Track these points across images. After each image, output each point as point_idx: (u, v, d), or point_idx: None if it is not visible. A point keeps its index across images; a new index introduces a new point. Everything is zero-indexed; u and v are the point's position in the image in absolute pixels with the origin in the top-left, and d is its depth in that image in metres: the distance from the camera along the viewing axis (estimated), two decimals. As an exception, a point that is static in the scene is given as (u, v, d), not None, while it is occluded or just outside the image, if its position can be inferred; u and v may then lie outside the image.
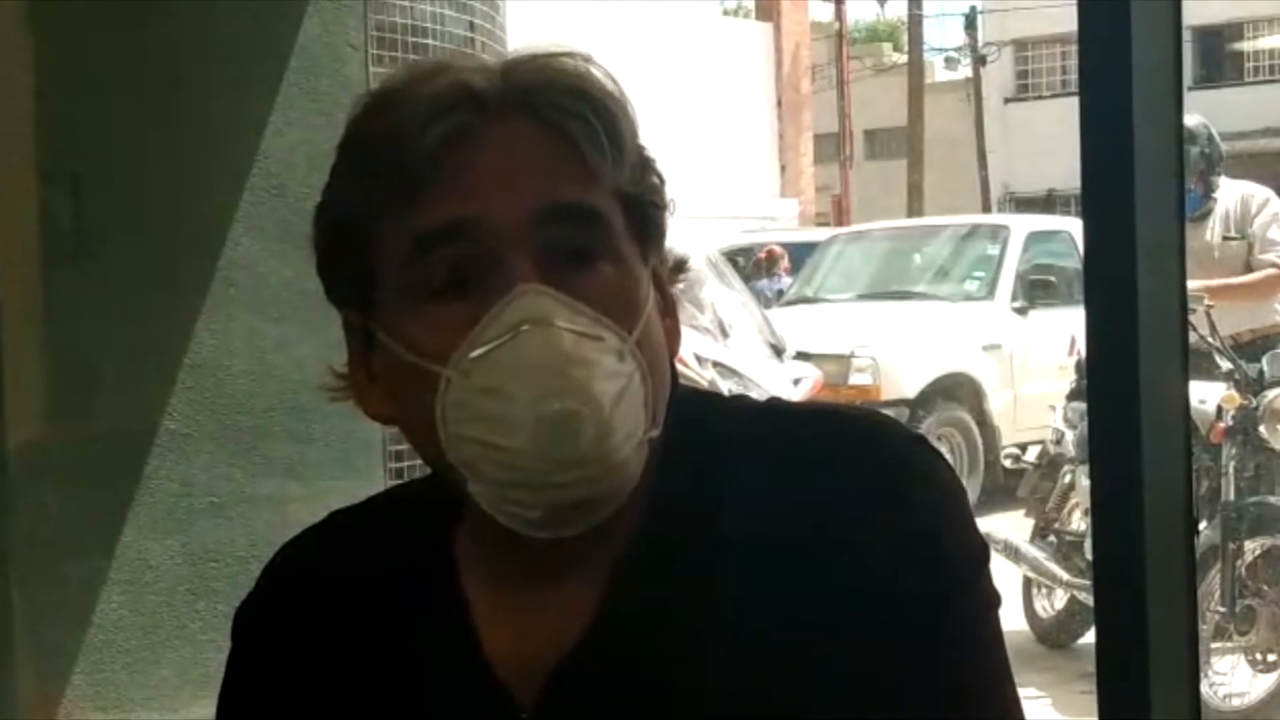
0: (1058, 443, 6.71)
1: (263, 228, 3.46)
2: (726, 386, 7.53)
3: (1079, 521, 6.49)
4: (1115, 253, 1.64)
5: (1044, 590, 6.76)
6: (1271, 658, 5.70)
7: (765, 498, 1.11)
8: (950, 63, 35.66)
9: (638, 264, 1.11)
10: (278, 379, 3.52)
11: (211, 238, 3.46)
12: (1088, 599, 6.15)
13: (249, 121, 3.51)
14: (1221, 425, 5.67)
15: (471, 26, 4.04)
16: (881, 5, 37.58)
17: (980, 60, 32.63)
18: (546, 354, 1.03)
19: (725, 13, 36.16)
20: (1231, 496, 5.65)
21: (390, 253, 1.08)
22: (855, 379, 10.28)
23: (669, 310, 1.16)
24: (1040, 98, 33.61)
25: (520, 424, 1.02)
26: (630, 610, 1.10)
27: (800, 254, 14.38)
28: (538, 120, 1.08)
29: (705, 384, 7.21)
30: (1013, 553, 6.48)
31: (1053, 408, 7.02)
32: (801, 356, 9.62)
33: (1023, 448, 8.43)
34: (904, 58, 33.59)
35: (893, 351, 10.50)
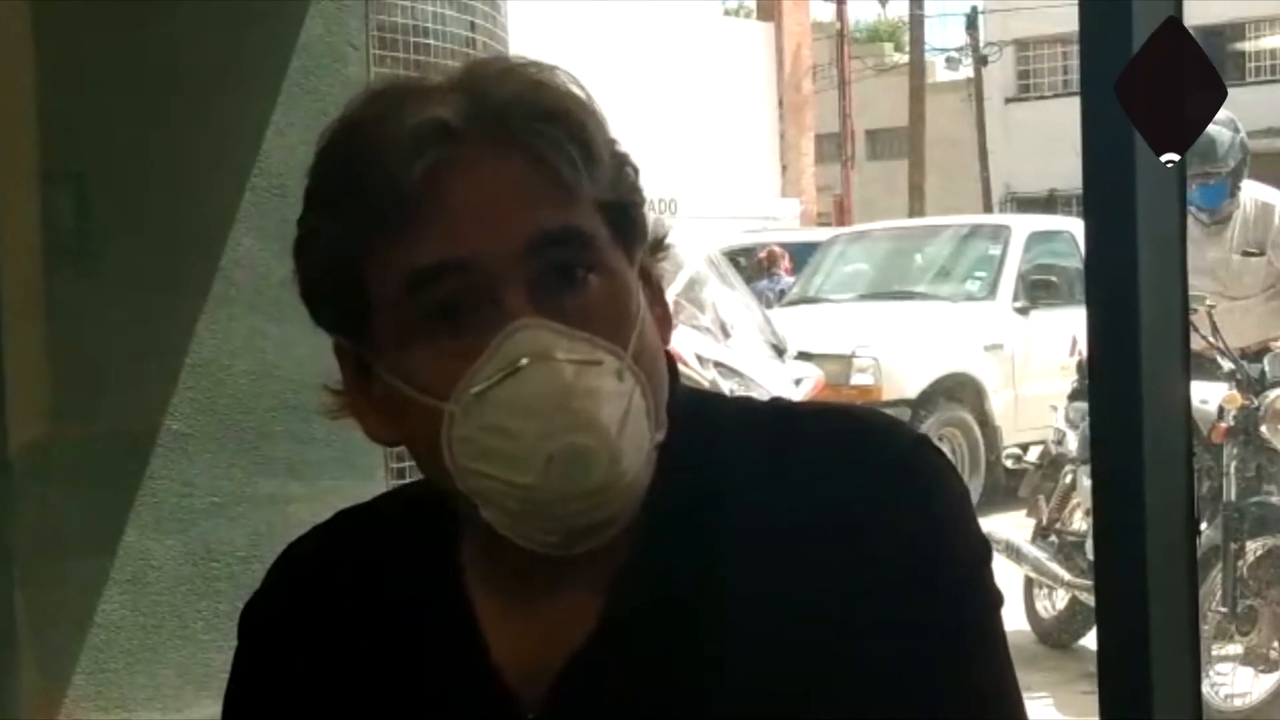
0: (1059, 443, 6.71)
1: (264, 228, 3.46)
2: (728, 387, 7.53)
3: (1080, 521, 6.48)
4: (1117, 253, 1.64)
5: (1045, 590, 6.76)
6: (1273, 657, 5.69)
7: (768, 498, 1.11)
8: (952, 63, 35.64)
9: (625, 269, 1.11)
10: (279, 379, 3.53)
11: (213, 238, 3.46)
12: (1089, 599, 6.14)
13: (250, 121, 3.51)
14: (1223, 425, 5.67)
15: (473, 26, 4.04)
16: (883, 5, 37.53)
17: (982, 60, 32.61)
18: (550, 390, 1.03)
19: (726, 13, 36.17)
20: (1233, 497, 5.64)
21: (380, 289, 1.08)
22: (857, 379, 10.28)
23: (657, 298, 1.16)
24: (1042, 98, 33.59)
25: (531, 462, 1.03)
26: (635, 613, 1.10)
27: (802, 254, 14.36)
28: (512, 145, 1.07)
29: (706, 384, 7.21)
30: (1014, 553, 6.47)
31: (1054, 408, 7.02)
32: (803, 356, 9.61)
33: (1024, 448, 8.43)
34: (905, 58, 33.57)
35: (894, 351, 10.49)
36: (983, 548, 1.14)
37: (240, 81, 3.54)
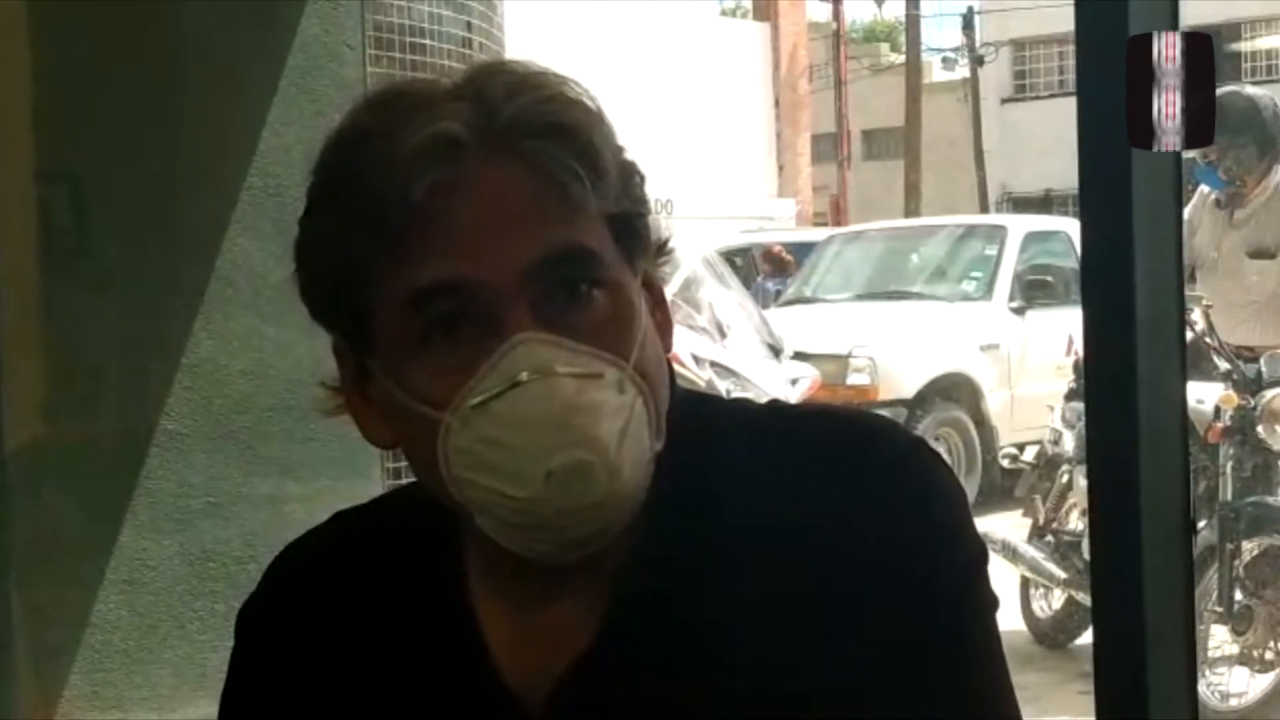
0: (1056, 443, 6.70)
1: (261, 228, 3.46)
2: (724, 387, 7.53)
3: (1077, 521, 6.48)
4: (1112, 253, 1.65)
5: (1042, 590, 6.76)
6: (1269, 657, 5.69)
7: (766, 500, 1.11)
8: (948, 63, 35.62)
9: (629, 281, 1.10)
10: (276, 379, 3.52)
11: (209, 238, 3.46)
12: (1085, 599, 6.14)
13: (247, 122, 3.51)
14: (1219, 425, 5.66)
15: (469, 27, 4.04)
16: (879, 5, 37.57)
17: (978, 60, 32.61)
18: (550, 405, 1.03)
19: (723, 13, 36.14)
20: (1229, 496, 5.64)
21: (381, 300, 1.08)
22: (853, 379, 10.28)
23: (658, 304, 1.15)
24: (1038, 98, 33.58)
25: (530, 477, 1.03)
26: (636, 616, 1.10)
27: (798, 254, 14.37)
28: (519, 161, 1.06)
29: (703, 384, 7.21)
30: (1010, 553, 6.47)
31: (1051, 408, 7.02)
32: (799, 356, 9.61)
33: (1020, 447, 8.43)
34: (901, 58, 33.59)
35: (890, 352, 10.49)
36: (979, 550, 1.14)
37: (236, 81, 3.54)
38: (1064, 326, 9.94)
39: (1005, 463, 8.10)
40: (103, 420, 3.47)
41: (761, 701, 1.07)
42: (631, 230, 1.11)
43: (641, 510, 1.09)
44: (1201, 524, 5.57)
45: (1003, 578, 6.04)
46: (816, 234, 16.34)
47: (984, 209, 28.53)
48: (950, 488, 1.14)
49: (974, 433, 10.65)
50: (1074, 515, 6.53)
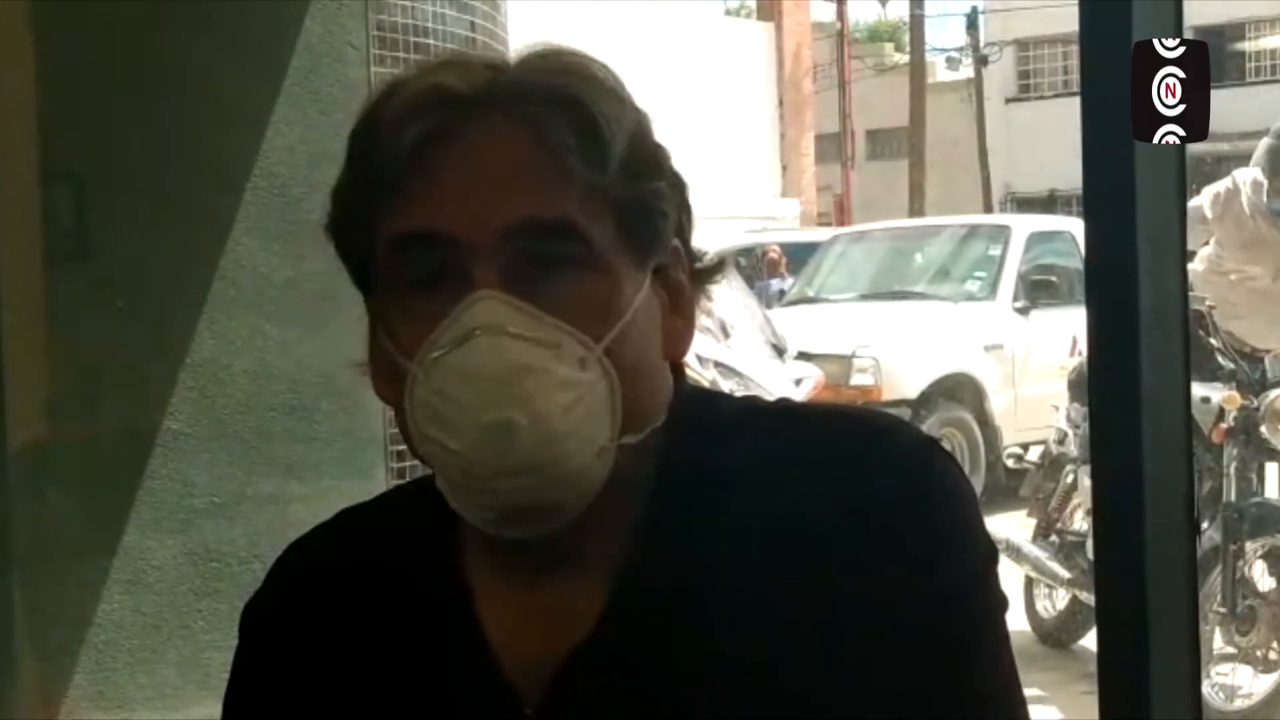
0: (1060, 443, 6.70)
1: (264, 228, 3.46)
2: (728, 387, 7.52)
3: (1081, 521, 6.48)
4: (1117, 253, 1.65)
5: (1046, 590, 6.76)
6: (1273, 658, 5.69)
7: (772, 497, 1.11)
8: (952, 63, 35.64)
9: (625, 269, 1.10)
10: (279, 379, 3.53)
11: (212, 238, 3.46)
12: (1090, 599, 6.14)
13: (250, 121, 3.51)
14: (1223, 425, 5.66)
15: (473, 26, 4.04)
16: (883, 5, 37.55)
17: (982, 60, 32.61)
18: (492, 362, 1.04)
19: (727, 13, 36.15)
20: (1233, 497, 5.64)
21: (376, 247, 1.10)
22: (857, 379, 10.28)
23: (681, 310, 1.15)
24: (1042, 98, 33.59)
25: (465, 429, 1.04)
26: (635, 608, 1.10)
27: (802, 254, 14.37)
28: (518, 123, 1.07)
29: (706, 384, 7.20)
30: (1015, 552, 6.47)
31: (1055, 408, 7.02)
32: (803, 357, 9.61)
33: (1025, 448, 8.43)
34: (905, 58, 33.58)
35: (894, 352, 10.49)
36: (989, 550, 1.14)
37: (240, 81, 3.54)
38: (1068, 327, 9.94)
39: (1009, 463, 8.11)
40: (106, 420, 3.47)
41: (762, 697, 1.07)
42: (639, 220, 1.10)
43: (642, 503, 1.09)
44: (1205, 525, 5.57)
45: (1007, 577, 6.02)
46: (820, 234, 16.34)
47: (988, 209, 28.54)
48: (960, 487, 1.14)
49: (978, 433, 10.65)
50: (1078, 515, 6.53)
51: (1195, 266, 6.01)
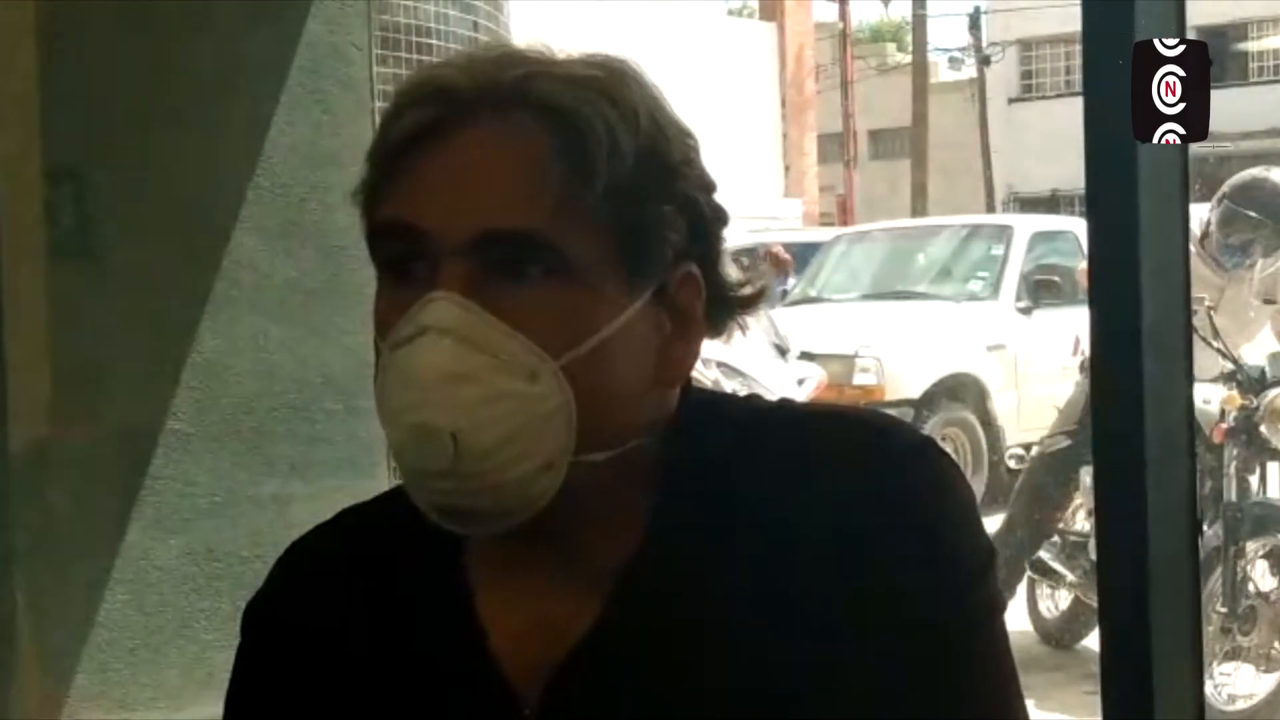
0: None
1: (266, 227, 3.46)
2: (731, 387, 7.53)
3: (1083, 522, 6.48)
4: (1119, 253, 1.65)
5: (1048, 590, 6.76)
6: (1275, 657, 5.69)
7: (772, 498, 1.11)
8: (954, 63, 35.60)
9: (609, 287, 1.07)
10: (281, 379, 3.53)
11: (215, 237, 3.47)
12: (1092, 599, 6.14)
13: (253, 121, 3.51)
14: (1224, 425, 5.67)
15: (475, 27, 4.04)
16: (885, 5, 37.53)
17: (984, 60, 32.58)
18: (427, 365, 1.03)
19: (730, 13, 36.14)
20: (1234, 497, 5.64)
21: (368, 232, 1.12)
22: (859, 379, 10.28)
23: (687, 334, 1.13)
24: (1044, 98, 33.59)
25: (397, 426, 1.05)
26: (635, 609, 1.10)
27: (804, 254, 14.36)
28: (506, 127, 1.06)
29: (709, 384, 7.21)
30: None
31: (1058, 408, 7.01)
32: (806, 356, 9.61)
33: (1027, 448, 8.42)
34: (908, 58, 33.57)
35: (897, 351, 10.49)
36: (987, 552, 1.14)
37: (243, 81, 3.54)
38: (1071, 327, 9.93)
39: (1011, 463, 8.11)
40: (107, 420, 3.47)
41: (763, 698, 1.07)
42: (634, 242, 1.08)
43: (647, 505, 1.09)
44: (1206, 525, 5.57)
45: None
46: (823, 234, 16.33)
47: (990, 209, 28.53)
48: (959, 489, 1.14)
49: (980, 433, 10.64)
50: (1080, 516, 6.53)
51: None
